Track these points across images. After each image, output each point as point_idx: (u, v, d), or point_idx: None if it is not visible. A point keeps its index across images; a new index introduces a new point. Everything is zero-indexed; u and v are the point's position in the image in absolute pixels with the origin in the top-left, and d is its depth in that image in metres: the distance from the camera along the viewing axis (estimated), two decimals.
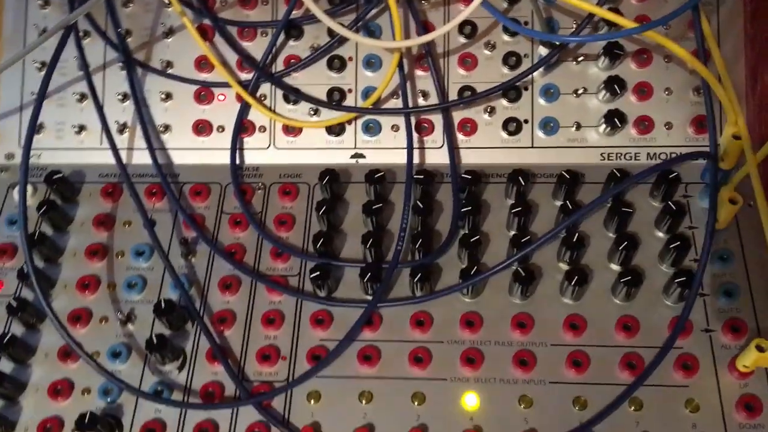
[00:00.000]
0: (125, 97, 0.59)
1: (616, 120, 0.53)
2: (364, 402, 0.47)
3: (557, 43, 0.54)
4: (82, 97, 0.59)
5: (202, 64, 0.59)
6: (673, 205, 0.50)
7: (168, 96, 0.59)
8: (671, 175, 0.51)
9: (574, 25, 0.56)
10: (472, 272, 0.49)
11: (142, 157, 0.58)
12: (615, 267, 0.51)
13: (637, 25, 0.47)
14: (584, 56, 0.56)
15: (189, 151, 0.59)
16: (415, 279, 0.49)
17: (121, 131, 0.59)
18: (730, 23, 0.55)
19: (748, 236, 0.51)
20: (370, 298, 0.51)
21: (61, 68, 0.60)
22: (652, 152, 0.55)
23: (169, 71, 0.59)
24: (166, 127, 0.59)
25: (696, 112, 0.54)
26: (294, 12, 0.58)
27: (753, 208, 0.50)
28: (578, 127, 0.55)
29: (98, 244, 0.55)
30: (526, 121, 0.56)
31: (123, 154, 0.58)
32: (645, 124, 0.55)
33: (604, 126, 0.54)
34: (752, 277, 0.49)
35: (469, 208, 0.51)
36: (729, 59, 0.54)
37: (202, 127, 0.59)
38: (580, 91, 0.55)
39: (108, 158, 0.58)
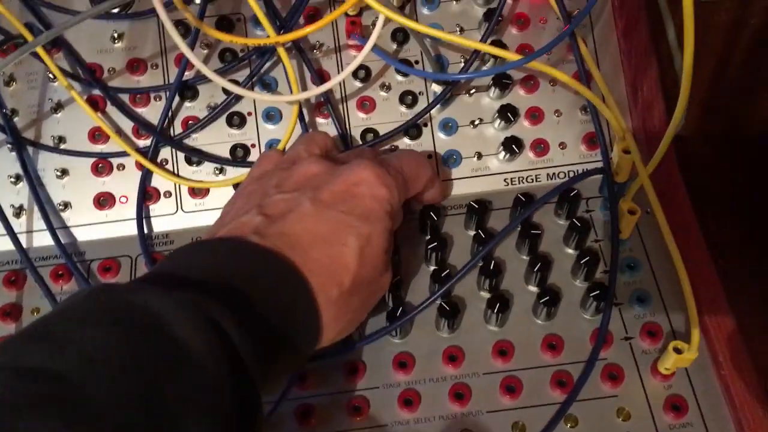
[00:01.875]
0: (18, 178, 0.57)
1: (513, 146, 0.55)
2: None
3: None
4: None
5: (96, 135, 0.57)
6: (578, 222, 0.52)
7: (64, 172, 0.57)
8: (572, 193, 0.53)
9: (462, 59, 0.58)
10: (398, 313, 0.49)
11: (43, 239, 0.56)
12: (533, 288, 0.52)
13: (521, 57, 0.49)
14: (475, 89, 0.57)
15: (93, 227, 0.57)
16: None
17: (17, 215, 0.56)
18: (605, 41, 0.58)
19: (651, 242, 0.53)
20: None
21: None
22: (551, 172, 0.57)
23: (62, 146, 0.57)
24: (66, 205, 0.57)
25: (585, 129, 0.57)
26: (186, 73, 0.57)
27: (651, 215, 0.53)
28: (479, 156, 0.57)
29: (6, 336, 0.52)
30: (430, 156, 0.57)
31: (23, 238, 0.55)
32: (541, 147, 0.57)
33: (503, 153, 0.56)
34: (660, 281, 0.52)
35: None
36: (609, 75, 0.57)
37: (104, 200, 0.57)
38: (476, 122, 0.57)
39: (6, 245, 0.55)
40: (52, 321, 0.35)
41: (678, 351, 0.46)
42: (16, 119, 0.58)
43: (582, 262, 0.51)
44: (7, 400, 0.30)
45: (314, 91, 0.53)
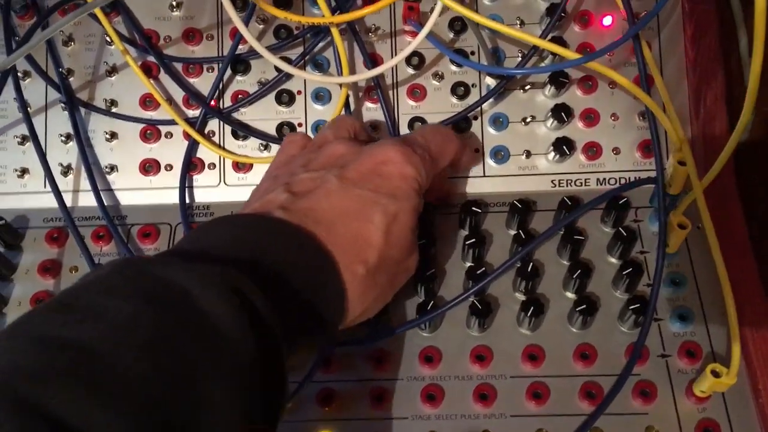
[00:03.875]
0: (68, 138, 0.58)
1: (564, 147, 0.54)
2: None
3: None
4: (24, 139, 0.58)
5: (147, 102, 0.58)
6: (623, 231, 0.50)
7: (113, 135, 0.58)
8: (621, 201, 0.51)
9: (520, 54, 0.56)
10: (429, 307, 0.49)
11: (88, 200, 0.57)
12: (570, 295, 0.51)
13: (580, 56, 0.47)
14: (531, 85, 0.56)
15: (136, 192, 0.57)
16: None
17: (65, 173, 0.57)
18: (672, 46, 0.56)
19: (699, 259, 0.51)
20: None
21: (1, 110, 0.58)
22: (602, 177, 0.55)
23: (114, 110, 0.58)
24: (112, 168, 0.57)
25: (642, 136, 0.55)
26: (240, 47, 0.57)
27: (702, 232, 0.51)
28: (528, 155, 0.55)
29: (44, 291, 0.53)
30: (477, 150, 0.56)
31: (68, 197, 0.57)
32: (593, 150, 0.55)
33: (553, 153, 0.54)
34: (705, 300, 0.50)
35: (424, 241, 0.51)
36: (672, 82, 0.55)
37: (149, 167, 0.57)
38: (528, 120, 0.55)
39: (52, 202, 0.56)
40: (75, 293, 0.34)
41: (716, 374, 0.44)
42: (71, 79, 0.58)
43: (625, 272, 0.49)
44: (28, 368, 0.29)
45: (364, 74, 0.52)
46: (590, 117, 0.55)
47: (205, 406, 0.32)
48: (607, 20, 0.55)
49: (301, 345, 0.41)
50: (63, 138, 0.58)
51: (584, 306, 0.48)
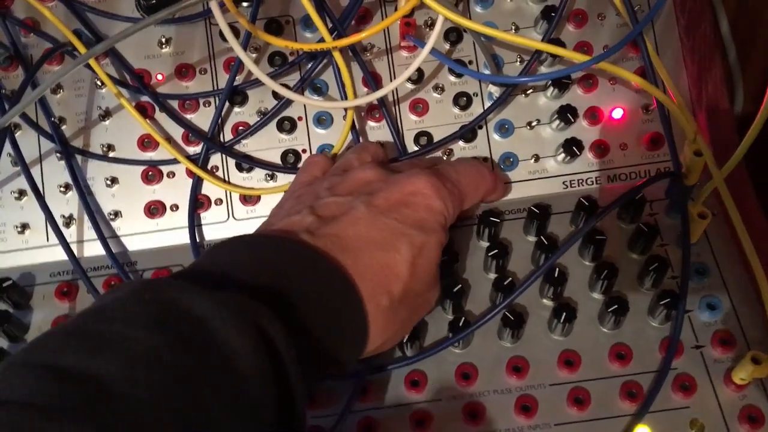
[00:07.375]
0: (67, 187, 0.56)
1: (574, 148, 0.54)
2: None
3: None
4: (21, 194, 0.56)
5: (145, 142, 0.56)
6: (645, 227, 0.50)
7: (113, 181, 0.56)
8: (636, 196, 0.51)
9: (518, 59, 0.56)
10: (461, 323, 0.48)
11: (94, 249, 0.55)
12: (597, 296, 0.50)
13: (589, 58, 0.47)
14: (533, 89, 0.56)
15: (144, 236, 0.56)
16: (405, 339, 0.48)
17: (67, 224, 0.56)
18: (667, 38, 0.56)
19: (719, 247, 0.51)
20: None
21: None
22: (612, 174, 0.55)
23: (111, 155, 0.57)
24: (116, 214, 0.56)
25: (647, 129, 0.55)
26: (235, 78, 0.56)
27: (719, 219, 0.51)
28: (537, 158, 0.55)
29: None
30: (485, 159, 0.56)
31: (73, 248, 0.55)
32: (601, 148, 0.55)
33: (563, 155, 0.54)
34: (730, 287, 0.50)
35: (445, 257, 0.50)
36: (671, 74, 0.55)
37: (154, 209, 0.56)
38: (533, 123, 0.55)
39: (57, 255, 0.54)
40: (93, 318, 0.34)
41: (756, 361, 0.44)
42: (63, 127, 0.57)
43: (651, 268, 0.49)
44: (38, 401, 0.29)
45: (371, 96, 0.51)
46: (594, 115, 0.55)
47: None
48: None
49: (319, 377, 0.41)
50: (62, 188, 0.56)
51: (616, 306, 0.48)
